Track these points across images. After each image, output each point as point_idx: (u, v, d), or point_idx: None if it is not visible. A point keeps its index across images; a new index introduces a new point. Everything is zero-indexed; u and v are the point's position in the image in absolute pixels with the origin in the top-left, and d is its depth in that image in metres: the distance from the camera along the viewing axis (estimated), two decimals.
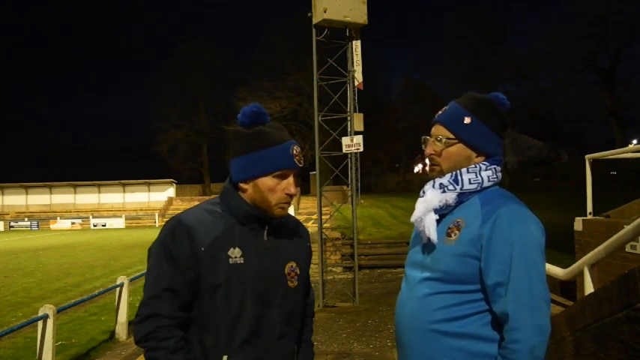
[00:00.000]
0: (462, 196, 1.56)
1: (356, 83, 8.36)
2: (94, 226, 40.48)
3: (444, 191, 1.57)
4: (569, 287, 6.38)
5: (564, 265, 4.36)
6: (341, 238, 12.94)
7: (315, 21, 7.96)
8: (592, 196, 6.32)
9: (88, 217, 41.77)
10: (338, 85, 8.57)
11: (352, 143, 8.15)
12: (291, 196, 1.61)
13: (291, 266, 1.66)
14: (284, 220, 1.67)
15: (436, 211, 1.57)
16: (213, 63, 47.56)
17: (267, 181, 1.57)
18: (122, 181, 46.96)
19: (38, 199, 46.91)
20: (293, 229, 1.74)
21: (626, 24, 32.61)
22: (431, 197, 1.58)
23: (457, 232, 1.52)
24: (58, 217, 42.25)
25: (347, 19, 7.86)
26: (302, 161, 1.63)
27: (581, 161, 8.27)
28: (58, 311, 5.50)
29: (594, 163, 6.32)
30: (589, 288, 3.62)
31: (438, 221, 1.58)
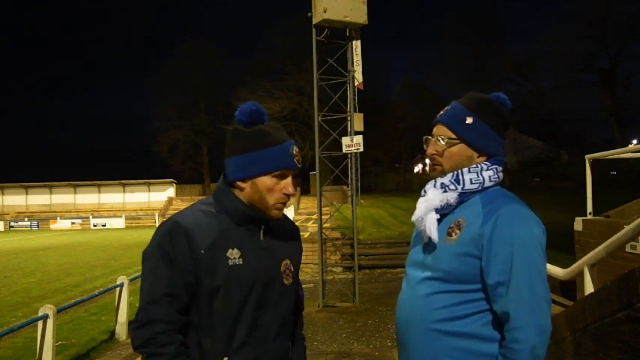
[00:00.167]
0: (463, 196, 1.57)
1: (356, 83, 8.36)
2: (94, 226, 40.49)
3: (445, 191, 1.57)
4: (569, 287, 6.38)
5: (564, 265, 4.36)
6: (341, 238, 12.94)
7: (315, 21, 7.96)
8: (592, 196, 6.32)
9: (88, 217, 41.78)
10: (338, 85, 8.57)
11: (352, 143, 8.15)
12: (289, 196, 1.60)
13: (286, 264, 1.66)
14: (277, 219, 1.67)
15: (437, 210, 1.57)
16: (213, 63, 47.57)
17: (266, 181, 1.56)
18: (122, 181, 46.97)
19: (38, 199, 46.92)
20: (285, 227, 1.74)
21: (626, 24, 32.61)
22: (432, 197, 1.58)
23: (458, 231, 1.52)
24: (58, 217, 42.26)
25: (347, 19, 7.86)
26: (301, 161, 1.63)
27: (581, 161, 8.27)
28: (58, 311, 5.49)
29: (594, 163, 6.32)
30: (589, 288, 3.63)
31: (439, 221, 1.58)
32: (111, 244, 23.66)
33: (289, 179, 1.59)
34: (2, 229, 40.49)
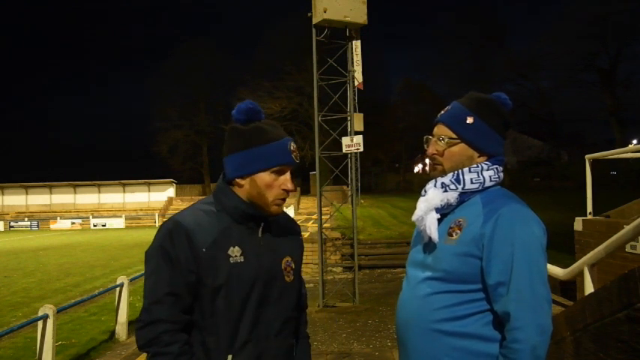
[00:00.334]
0: (464, 196, 1.57)
1: (356, 83, 8.36)
2: (94, 226, 40.48)
3: (445, 190, 1.57)
4: (569, 287, 6.38)
5: (564, 265, 4.36)
6: (341, 238, 12.94)
7: (315, 21, 7.96)
8: (592, 196, 6.32)
9: (88, 217, 41.78)
10: (338, 85, 8.57)
11: (352, 143, 8.15)
12: (288, 191, 1.61)
13: (287, 261, 1.67)
14: (277, 217, 1.67)
15: (437, 210, 1.57)
16: (213, 63, 47.56)
17: (264, 177, 1.57)
18: (122, 181, 46.97)
19: (38, 199, 46.92)
20: (285, 224, 1.74)
21: (626, 24, 32.61)
22: (432, 196, 1.58)
23: (458, 231, 1.52)
24: (58, 217, 42.26)
25: (347, 19, 7.86)
26: (299, 157, 1.64)
27: (581, 161, 8.27)
28: (58, 311, 5.49)
29: (594, 163, 6.32)
30: (589, 288, 3.63)
31: (440, 220, 1.58)
32: (111, 244, 23.66)
33: (287, 175, 1.60)
34: (2, 229, 40.50)
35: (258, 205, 1.59)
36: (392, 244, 13.84)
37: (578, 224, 6.39)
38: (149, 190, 47.14)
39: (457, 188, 1.56)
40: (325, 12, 7.68)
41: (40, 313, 5.25)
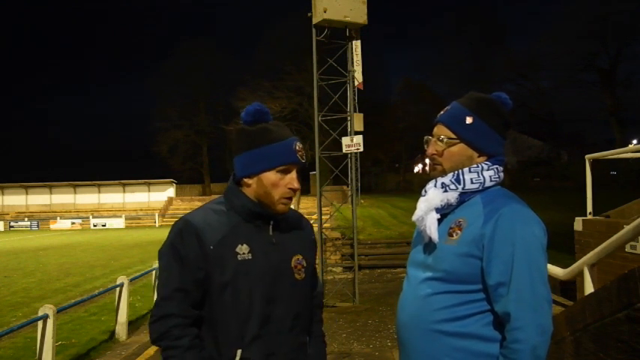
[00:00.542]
0: (464, 196, 1.56)
1: (356, 83, 8.37)
2: (94, 226, 40.47)
3: (445, 190, 1.57)
4: (569, 287, 6.38)
5: (564, 265, 4.36)
6: (341, 238, 12.94)
7: (315, 21, 7.96)
8: (592, 196, 6.32)
9: (88, 217, 41.76)
10: (338, 85, 8.57)
11: (352, 143, 8.16)
12: (294, 190, 1.65)
13: (298, 259, 1.70)
14: (287, 215, 1.71)
15: (437, 210, 1.57)
16: (213, 63, 47.56)
17: (270, 176, 1.61)
18: (122, 181, 46.94)
19: (38, 199, 46.91)
20: (296, 223, 1.78)
21: (626, 24, 32.61)
22: (432, 196, 1.58)
23: (459, 231, 1.52)
24: (58, 217, 42.25)
25: (347, 19, 7.86)
26: (304, 157, 1.68)
27: (581, 161, 8.27)
28: (58, 311, 5.49)
29: (594, 163, 6.32)
30: (589, 288, 3.62)
31: (440, 220, 1.58)
32: (111, 244, 23.66)
33: (293, 174, 1.65)
34: (2, 229, 40.48)
35: (265, 203, 1.64)
36: (392, 244, 13.84)
37: (578, 224, 6.39)
38: (149, 190, 47.10)
39: (457, 188, 1.56)
40: (325, 12, 7.69)
41: (40, 313, 5.24)
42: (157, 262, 9.53)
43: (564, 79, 36.55)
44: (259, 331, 1.58)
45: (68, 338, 7.23)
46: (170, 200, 45.51)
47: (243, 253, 1.59)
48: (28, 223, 41.84)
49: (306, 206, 32.10)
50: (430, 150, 1.65)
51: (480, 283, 1.48)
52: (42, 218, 42.92)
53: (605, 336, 2.12)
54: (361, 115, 8.55)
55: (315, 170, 8.35)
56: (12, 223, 41.90)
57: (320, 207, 8.50)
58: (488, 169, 1.58)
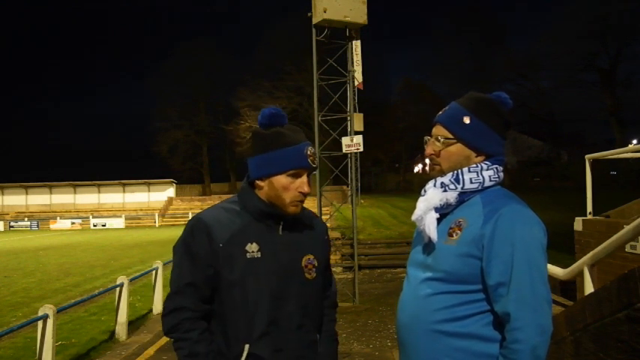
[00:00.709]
0: (464, 196, 1.56)
1: (356, 83, 8.37)
2: (94, 226, 40.48)
3: (445, 190, 1.57)
4: (569, 287, 6.38)
5: (564, 265, 4.35)
6: (341, 238, 12.95)
7: (315, 21, 7.96)
8: (592, 196, 6.32)
9: (88, 217, 41.77)
10: (338, 85, 8.57)
11: (352, 143, 8.16)
12: (304, 194, 1.68)
13: (309, 259, 1.72)
14: (300, 215, 1.74)
15: (437, 209, 1.57)
16: (213, 63, 47.59)
17: (281, 180, 1.66)
18: (122, 181, 46.95)
19: (38, 199, 46.92)
20: (308, 223, 1.80)
21: (626, 24, 32.61)
22: (432, 196, 1.58)
23: (459, 231, 1.52)
24: (58, 217, 42.26)
25: (347, 19, 7.86)
26: (316, 162, 1.72)
27: (581, 161, 8.26)
28: (58, 311, 5.49)
29: (594, 163, 6.32)
30: (589, 288, 3.62)
31: (440, 220, 1.58)
32: (111, 244, 23.66)
33: (304, 178, 1.69)
34: (2, 229, 40.48)
35: (277, 205, 1.68)
36: (392, 244, 13.84)
37: (578, 224, 6.39)
38: (149, 190, 47.11)
39: (456, 188, 1.56)
40: (325, 12, 7.69)
41: (40, 313, 5.24)
42: (156, 262, 9.51)
43: (564, 79, 36.59)
44: (267, 328, 1.61)
45: (68, 338, 7.23)
46: (170, 200, 45.51)
47: (253, 252, 1.63)
48: (28, 223, 41.85)
49: (307, 206, 31.96)
50: (428, 150, 1.65)
51: (479, 284, 1.48)
52: (42, 218, 42.93)
53: (605, 336, 2.12)
54: (361, 115, 8.55)
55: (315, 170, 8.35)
56: (12, 223, 41.92)
57: (320, 207, 8.50)
58: (487, 169, 1.57)
